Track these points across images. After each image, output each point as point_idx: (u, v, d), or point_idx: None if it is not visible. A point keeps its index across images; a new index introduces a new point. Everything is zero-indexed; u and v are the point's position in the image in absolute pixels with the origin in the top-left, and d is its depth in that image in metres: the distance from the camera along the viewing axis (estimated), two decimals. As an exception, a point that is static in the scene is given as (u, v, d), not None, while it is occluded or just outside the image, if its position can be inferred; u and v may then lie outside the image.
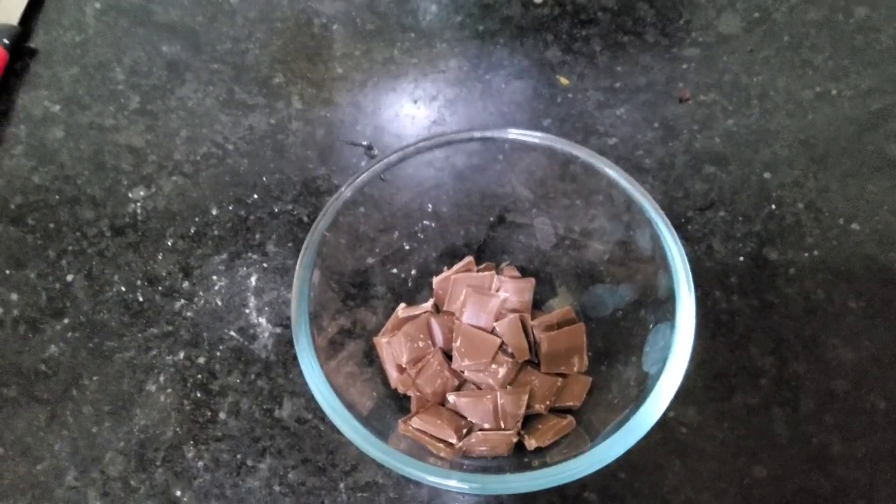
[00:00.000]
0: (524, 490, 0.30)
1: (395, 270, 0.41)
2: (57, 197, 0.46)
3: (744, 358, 0.39)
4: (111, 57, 0.51)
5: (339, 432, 0.38)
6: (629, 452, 0.31)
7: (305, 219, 0.44)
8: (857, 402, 0.38)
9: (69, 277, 0.43)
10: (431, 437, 0.34)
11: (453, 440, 0.34)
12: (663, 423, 0.38)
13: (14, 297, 0.43)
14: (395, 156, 0.38)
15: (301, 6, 0.52)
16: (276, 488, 0.37)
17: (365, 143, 0.46)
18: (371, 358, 0.38)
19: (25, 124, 0.49)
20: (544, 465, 0.31)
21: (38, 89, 0.50)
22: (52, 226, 0.45)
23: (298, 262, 0.34)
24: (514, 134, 0.37)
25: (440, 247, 0.41)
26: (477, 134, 0.39)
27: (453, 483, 0.29)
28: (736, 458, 0.37)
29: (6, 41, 0.50)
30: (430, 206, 0.41)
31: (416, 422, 0.35)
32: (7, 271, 0.43)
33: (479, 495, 0.34)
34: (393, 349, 0.37)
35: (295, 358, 0.40)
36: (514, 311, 0.38)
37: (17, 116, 0.49)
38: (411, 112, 0.47)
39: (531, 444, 0.34)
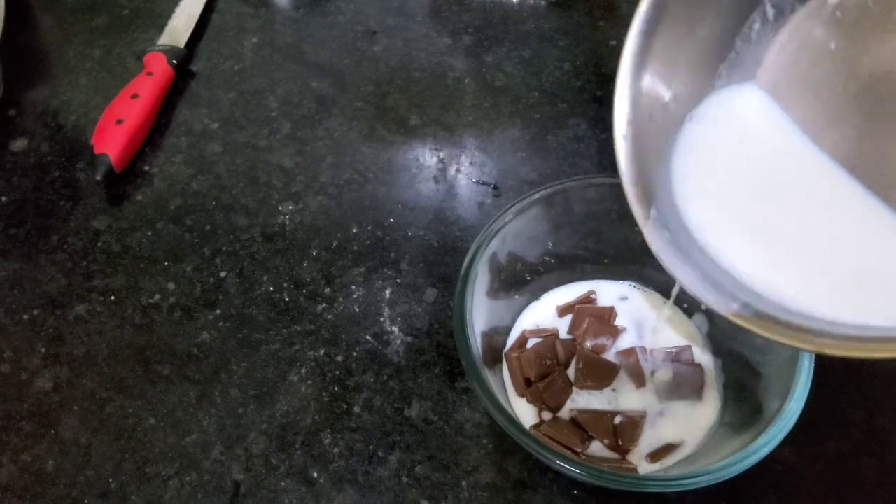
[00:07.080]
0: (634, 489, 0.34)
1: (517, 297, 0.45)
2: (213, 203, 0.51)
3: (835, 409, 0.42)
4: (265, 86, 0.57)
5: (462, 435, 0.42)
6: (730, 481, 0.35)
7: (435, 244, 0.49)
8: (940, 459, 0.41)
9: (222, 274, 0.48)
10: (559, 443, 0.38)
11: (578, 448, 0.38)
12: (761, 460, 0.41)
13: (171, 286, 0.47)
14: (527, 200, 0.43)
15: (437, 60, 0.58)
16: (404, 479, 0.40)
17: (492, 182, 0.52)
18: (496, 370, 0.42)
19: (186, 136, 0.54)
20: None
21: (199, 107, 0.56)
22: (207, 227, 0.50)
23: (460, 285, 0.39)
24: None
25: (558, 280, 0.46)
26: (595, 180, 0.44)
27: (575, 469, 0.33)
28: (827, 497, 0.40)
29: (175, 62, 0.57)
30: (549, 243, 0.46)
31: (545, 428, 0.38)
32: (165, 263, 0.48)
33: (592, 483, 0.37)
34: (522, 364, 0.41)
35: (423, 365, 0.44)
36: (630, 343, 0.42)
37: (178, 129, 0.55)
38: (534, 159, 0.53)
39: (649, 463, 0.38)
